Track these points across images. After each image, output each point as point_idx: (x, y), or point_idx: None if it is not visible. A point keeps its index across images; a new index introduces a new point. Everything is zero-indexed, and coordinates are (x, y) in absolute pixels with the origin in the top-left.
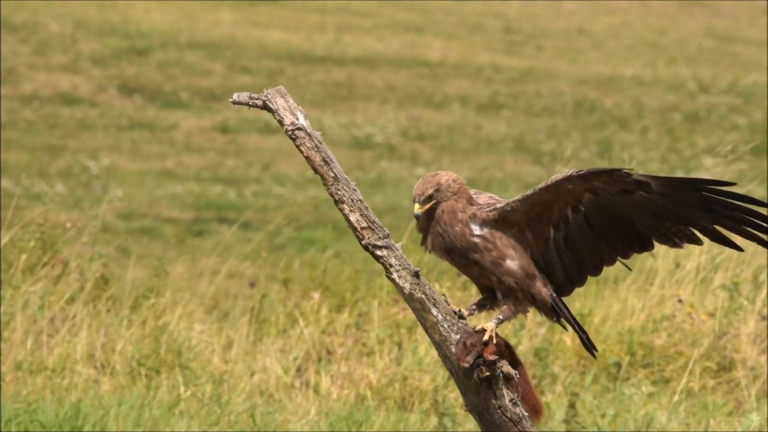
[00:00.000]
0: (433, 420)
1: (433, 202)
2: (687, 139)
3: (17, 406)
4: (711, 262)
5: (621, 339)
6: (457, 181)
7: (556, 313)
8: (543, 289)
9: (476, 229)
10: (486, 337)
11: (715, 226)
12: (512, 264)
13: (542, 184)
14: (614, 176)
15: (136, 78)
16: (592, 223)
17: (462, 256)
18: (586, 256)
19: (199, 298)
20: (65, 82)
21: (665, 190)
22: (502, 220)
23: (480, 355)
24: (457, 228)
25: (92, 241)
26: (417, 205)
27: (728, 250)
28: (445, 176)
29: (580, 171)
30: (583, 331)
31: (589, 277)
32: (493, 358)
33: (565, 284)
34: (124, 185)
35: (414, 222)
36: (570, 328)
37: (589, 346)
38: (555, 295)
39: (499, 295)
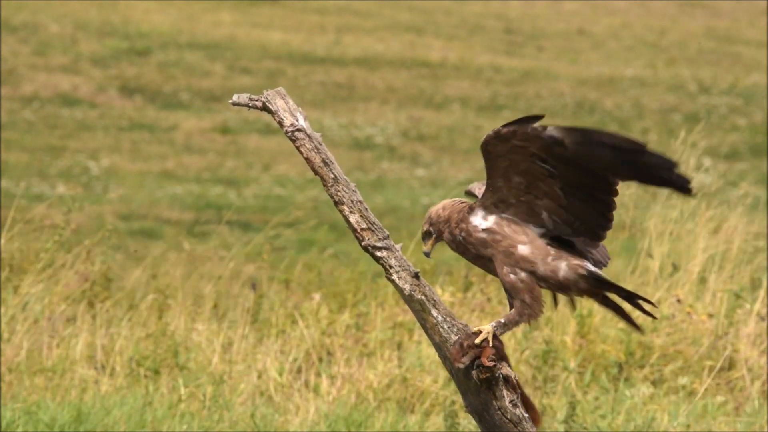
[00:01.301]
0: (434, 420)
1: (434, 236)
2: (687, 140)
3: (17, 406)
4: (710, 262)
5: (620, 339)
6: (447, 207)
7: (600, 284)
8: (577, 264)
9: (481, 224)
10: (478, 340)
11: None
12: (525, 249)
13: (483, 154)
14: (528, 132)
15: (136, 79)
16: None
17: (480, 257)
18: (597, 189)
19: (200, 299)
20: (65, 82)
21: (578, 149)
22: (500, 202)
23: (477, 358)
24: (464, 233)
25: (93, 241)
26: (423, 244)
27: (728, 250)
28: (434, 209)
29: (495, 131)
30: (638, 296)
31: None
32: (490, 363)
33: (599, 224)
34: (124, 186)
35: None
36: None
37: (646, 311)
38: (593, 268)
39: (507, 295)
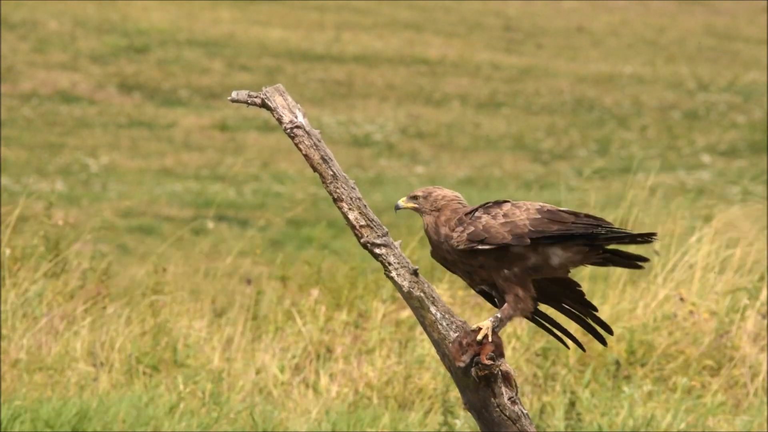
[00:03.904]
0: (434, 418)
1: (415, 205)
2: (686, 137)
3: (17, 404)
4: (714, 260)
5: (621, 337)
6: (446, 198)
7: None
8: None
9: None
10: (479, 336)
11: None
12: (517, 249)
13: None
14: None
15: (135, 76)
16: None
17: (466, 264)
18: None
19: (198, 296)
20: (64, 79)
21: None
22: (470, 252)
23: (476, 355)
24: (451, 242)
25: (93, 238)
26: (404, 199)
27: (730, 248)
28: (440, 191)
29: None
30: (596, 318)
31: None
32: (488, 362)
33: None
34: (123, 183)
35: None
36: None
37: (599, 335)
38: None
39: (501, 292)
